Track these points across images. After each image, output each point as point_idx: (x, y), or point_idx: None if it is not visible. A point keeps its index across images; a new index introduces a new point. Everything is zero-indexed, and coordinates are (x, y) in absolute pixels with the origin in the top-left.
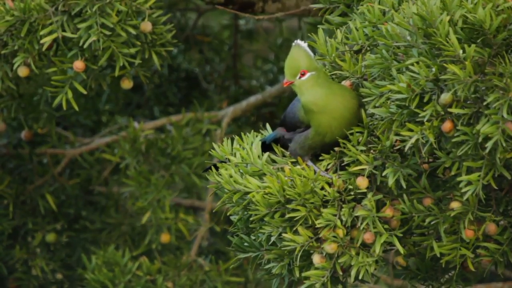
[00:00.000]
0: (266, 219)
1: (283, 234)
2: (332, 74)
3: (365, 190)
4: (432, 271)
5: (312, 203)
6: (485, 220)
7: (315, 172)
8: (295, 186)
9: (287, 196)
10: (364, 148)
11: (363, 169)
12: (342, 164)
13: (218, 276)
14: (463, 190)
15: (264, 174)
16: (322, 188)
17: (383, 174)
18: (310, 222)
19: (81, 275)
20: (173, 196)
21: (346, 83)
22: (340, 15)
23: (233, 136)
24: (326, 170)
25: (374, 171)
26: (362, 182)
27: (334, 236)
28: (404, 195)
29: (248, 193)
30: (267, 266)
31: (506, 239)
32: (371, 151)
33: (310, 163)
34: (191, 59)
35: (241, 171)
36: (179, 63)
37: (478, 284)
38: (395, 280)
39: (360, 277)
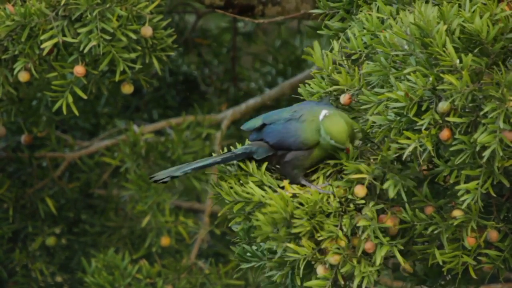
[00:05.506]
0: (271, 235)
1: (287, 245)
2: (331, 88)
3: (363, 201)
4: (438, 276)
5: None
6: (487, 226)
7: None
8: (302, 203)
9: (294, 215)
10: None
11: (363, 178)
12: (341, 174)
13: (218, 279)
14: (461, 199)
15: (264, 184)
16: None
17: (384, 186)
18: (315, 235)
19: (81, 279)
20: (173, 199)
21: (345, 96)
22: (340, 20)
23: (233, 140)
24: (327, 177)
25: (374, 182)
26: (360, 191)
27: (337, 248)
28: (406, 205)
29: (249, 202)
30: (268, 274)
31: (507, 246)
32: (371, 160)
33: (304, 182)
34: (190, 62)
35: (241, 181)
36: (178, 66)
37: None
38: (394, 282)
39: (363, 287)
